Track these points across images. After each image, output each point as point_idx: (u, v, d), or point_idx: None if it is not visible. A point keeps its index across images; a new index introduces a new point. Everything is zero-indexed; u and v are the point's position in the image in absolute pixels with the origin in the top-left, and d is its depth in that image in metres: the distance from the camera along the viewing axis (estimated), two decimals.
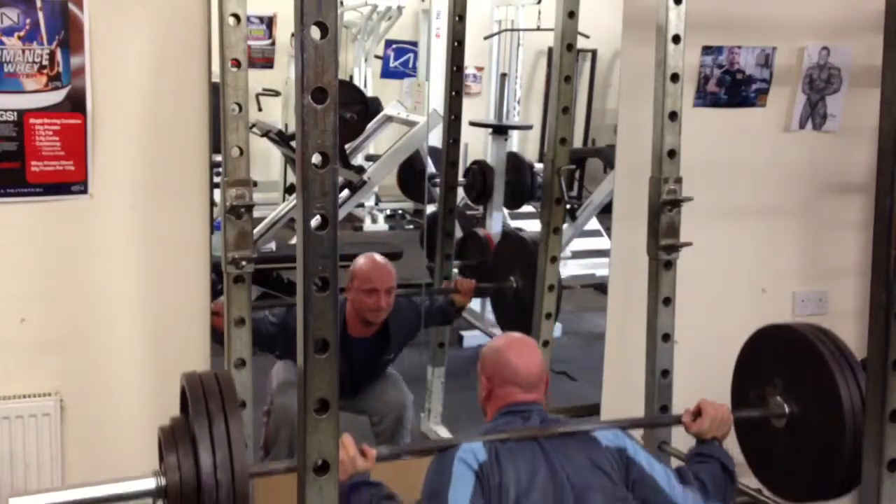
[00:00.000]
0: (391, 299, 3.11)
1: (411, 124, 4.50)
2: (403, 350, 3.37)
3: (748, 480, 2.49)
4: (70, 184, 2.43)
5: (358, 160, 4.71)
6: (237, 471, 1.70)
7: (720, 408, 2.32)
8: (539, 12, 5.30)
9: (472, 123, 4.97)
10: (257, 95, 4.40)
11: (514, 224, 4.71)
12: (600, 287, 3.49)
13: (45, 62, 2.35)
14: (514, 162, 4.76)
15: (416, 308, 3.46)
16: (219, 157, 2.39)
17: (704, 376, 3.17)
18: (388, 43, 5.41)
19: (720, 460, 2.25)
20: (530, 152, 5.56)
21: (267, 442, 3.14)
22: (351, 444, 2.00)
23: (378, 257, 3.17)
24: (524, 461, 2.07)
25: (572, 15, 2.85)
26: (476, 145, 5.23)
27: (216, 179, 2.48)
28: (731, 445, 2.37)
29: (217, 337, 2.51)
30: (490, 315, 4.03)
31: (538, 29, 5.25)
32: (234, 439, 1.72)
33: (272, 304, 3.25)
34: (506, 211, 4.70)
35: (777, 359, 2.36)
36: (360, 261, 3.15)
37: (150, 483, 1.76)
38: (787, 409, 2.30)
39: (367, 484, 2.02)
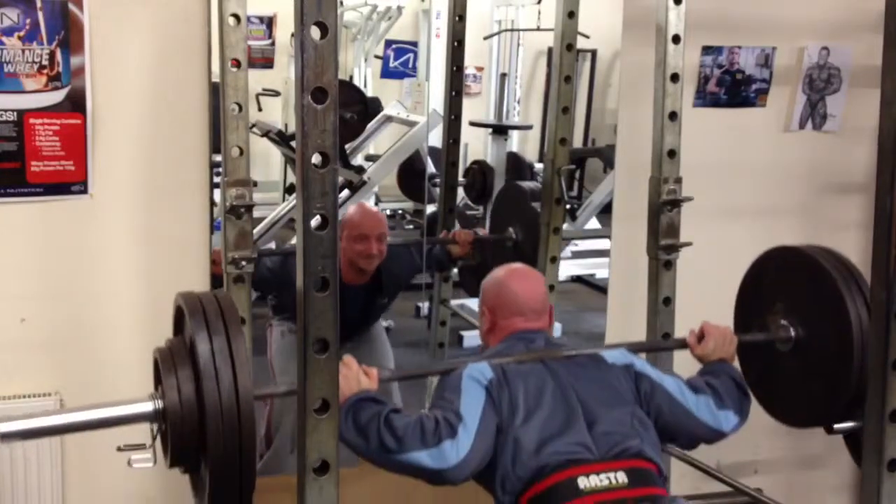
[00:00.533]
0: (383, 247, 3.09)
1: (411, 124, 4.50)
2: (404, 356, 3.37)
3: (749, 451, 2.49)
4: (70, 184, 2.43)
5: (358, 160, 4.70)
6: (242, 391, 1.59)
7: (724, 328, 2.28)
8: (539, 12, 5.29)
9: (472, 123, 4.97)
10: (257, 95, 4.39)
11: None
12: (600, 287, 3.49)
13: (45, 62, 2.35)
14: (514, 162, 4.75)
15: (411, 256, 3.45)
16: (219, 157, 2.40)
17: None
18: (388, 43, 5.40)
19: (731, 376, 2.20)
20: (530, 152, 5.55)
21: (269, 431, 3.13)
22: (353, 362, 1.96)
23: (368, 205, 3.15)
24: (532, 378, 2.04)
25: (572, 15, 2.85)
26: (476, 145, 5.22)
27: (216, 179, 2.48)
28: None
29: (216, 284, 2.50)
30: None
31: (538, 29, 5.25)
32: (237, 358, 1.61)
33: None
34: None
35: (780, 282, 2.32)
36: (351, 210, 3.13)
37: (146, 406, 1.67)
38: (792, 333, 2.27)
39: (372, 400, 1.95)
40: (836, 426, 2.18)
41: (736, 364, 2.31)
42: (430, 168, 4.52)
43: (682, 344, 2.32)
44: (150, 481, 2.65)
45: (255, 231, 2.44)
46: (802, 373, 2.27)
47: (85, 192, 2.45)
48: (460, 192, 4.27)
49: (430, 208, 4.30)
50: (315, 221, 1.55)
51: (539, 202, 3.27)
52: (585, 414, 2.01)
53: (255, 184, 2.39)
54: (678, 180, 2.53)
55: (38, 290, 2.49)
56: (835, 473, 3.41)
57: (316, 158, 1.54)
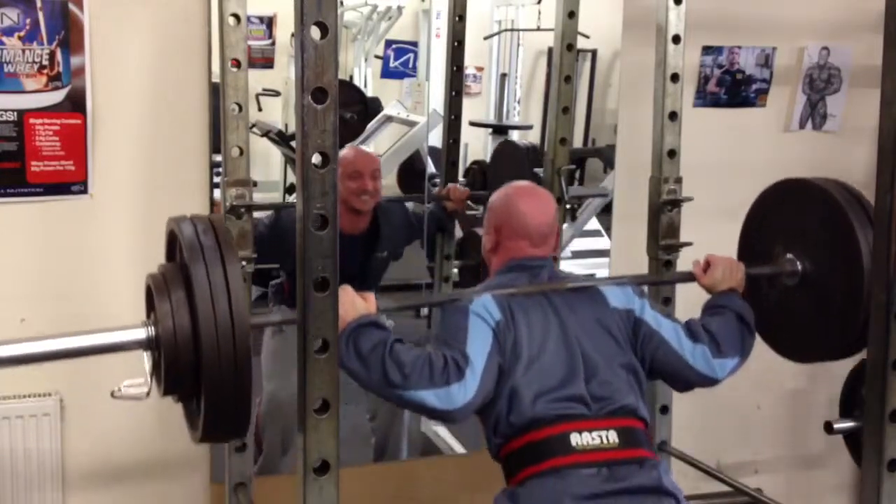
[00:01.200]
0: (378, 185, 3.07)
1: (411, 124, 4.49)
2: None
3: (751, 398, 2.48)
4: (70, 184, 2.43)
5: None
6: (237, 320, 1.55)
7: (731, 259, 2.26)
8: (539, 12, 5.29)
9: (472, 123, 4.96)
10: (257, 95, 4.39)
11: None
12: None
13: (45, 62, 2.35)
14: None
15: (408, 213, 3.45)
16: (219, 157, 2.39)
17: None
18: (388, 43, 5.39)
19: (736, 311, 2.17)
20: None
21: (258, 433, 3.12)
22: (347, 286, 1.88)
23: (360, 147, 3.11)
24: (537, 321, 2.02)
25: (572, 15, 2.85)
26: (476, 145, 5.21)
27: (216, 179, 2.48)
28: None
29: None
30: None
31: (538, 29, 5.24)
32: (233, 285, 1.56)
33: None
34: None
35: (786, 215, 2.29)
36: (343, 151, 3.09)
37: (139, 333, 1.63)
38: (799, 266, 2.24)
39: (374, 325, 1.88)
40: (836, 426, 2.18)
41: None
42: (430, 168, 4.51)
43: (689, 276, 2.28)
44: (150, 483, 2.66)
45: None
46: (808, 308, 2.22)
47: (85, 192, 2.45)
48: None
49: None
50: (315, 221, 1.55)
51: (536, 163, 3.19)
52: (585, 365, 2.00)
53: (255, 184, 2.39)
54: (678, 180, 2.53)
55: (38, 290, 2.49)
56: (835, 473, 3.41)
57: (316, 158, 1.53)
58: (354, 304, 1.88)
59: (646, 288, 2.36)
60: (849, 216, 2.11)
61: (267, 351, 3.20)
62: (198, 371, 1.58)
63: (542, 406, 1.94)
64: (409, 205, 3.70)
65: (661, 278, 2.53)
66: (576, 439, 1.92)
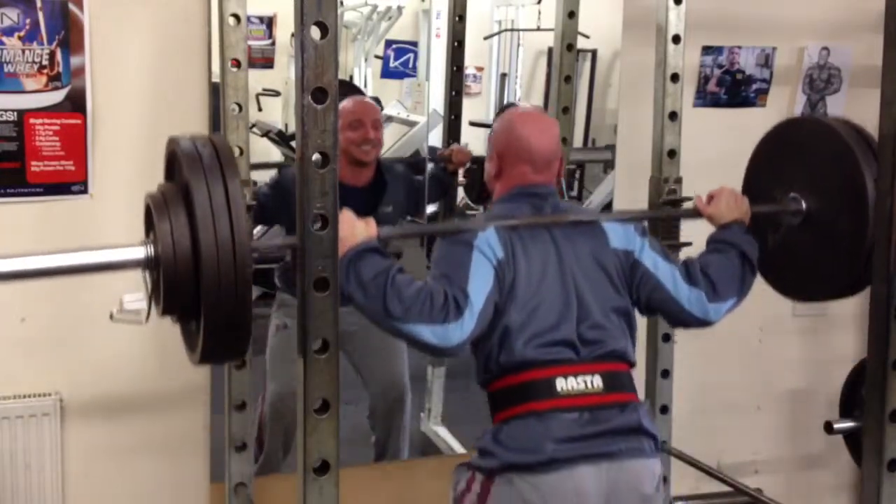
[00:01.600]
0: (379, 134, 3.04)
1: (411, 124, 4.49)
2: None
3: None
4: (70, 184, 2.43)
5: None
6: (238, 240, 1.53)
7: (734, 190, 2.24)
8: (539, 12, 5.29)
9: (472, 123, 4.95)
10: (257, 95, 4.39)
11: None
12: None
13: (45, 62, 2.35)
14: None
15: (412, 172, 3.44)
16: None
17: (704, 376, 3.18)
18: (388, 43, 5.39)
19: (739, 247, 2.15)
20: None
21: (261, 434, 3.11)
22: (347, 211, 1.85)
23: (359, 97, 3.08)
24: (536, 257, 2.01)
25: (572, 15, 2.85)
26: (476, 145, 5.21)
27: None
28: None
29: None
30: None
31: (538, 29, 5.23)
32: (234, 205, 1.54)
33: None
34: None
35: (791, 155, 2.27)
36: (344, 101, 3.03)
37: (138, 252, 1.60)
38: (803, 205, 2.22)
39: (376, 252, 1.86)
40: (836, 426, 2.18)
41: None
42: (430, 168, 4.51)
43: (693, 212, 2.26)
44: (150, 481, 2.66)
45: (255, 231, 2.44)
46: (812, 246, 2.21)
47: (85, 192, 2.45)
48: (460, 191, 4.26)
49: (431, 208, 4.30)
50: (315, 221, 1.55)
51: None
52: (579, 307, 2.00)
53: (256, 184, 2.39)
54: (678, 180, 2.53)
55: (38, 290, 2.48)
56: (835, 473, 3.41)
57: (316, 158, 1.54)
58: (355, 228, 1.86)
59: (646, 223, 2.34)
60: (854, 153, 2.08)
61: (270, 349, 3.20)
62: (197, 290, 1.55)
63: (532, 350, 1.96)
64: None
65: (665, 213, 2.52)
66: (561, 384, 1.95)
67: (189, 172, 1.56)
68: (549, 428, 1.91)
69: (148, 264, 1.60)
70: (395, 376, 3.23)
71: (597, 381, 1.97)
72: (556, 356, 1.96)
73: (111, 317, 1.68)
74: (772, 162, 2.33)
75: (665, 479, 2.66)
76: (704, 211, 2.22)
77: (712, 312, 2.11)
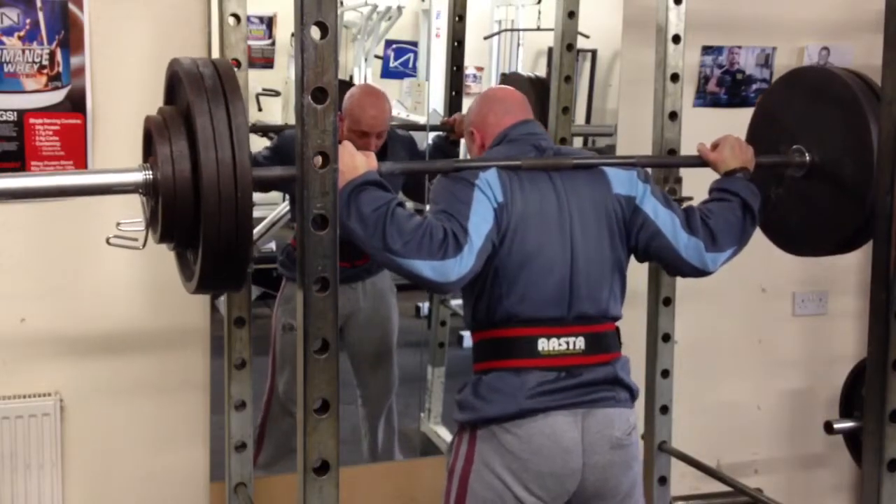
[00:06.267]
0: (381, 141, 3.04)
1: (411, 124, 4.49)
2: (404, 356, 3.35)
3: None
4: None
5: None
6: (240, 167, 1.48)
7: (739, 138, 2.23)
8: (539, 12, 5.29)
9: None
10: (257, 95, 4.39)
11: None
12: None
13: (45, 62, 2.35)
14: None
15: (416, 145, 3.43)
16: None
17: (704, 376, 3.18)
18: (388, 43, 5.39)
19: (741, 197, 2.13)
20: None
21: (262, 436, 3.09)
22: (348, 142, 1.88)
23: (372, 97, 3.03)
24: (536, 203, 2.01)
25: (572, 15, 2.85)
26: None
27: None
28: None
29: None
30: None
31: (538, 29, 5.23)
32: (236, 132, 1.50)
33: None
34: None
35: (794, 106, 2.26)
36: (356, 97, 3.01)
37: (136, 176, 1.56)
38: (807, 157, 2.20)
39: (378, 185, 1.86)
40: (836, 426, 2.18)
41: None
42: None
43: (696, 160, 2.24)
44: (150, 481, 2.66)
45: (255, 231, 2.43)
46: (814, 200, 2.21)
47: None
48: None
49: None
50: (315, 221, 1.55)
51: (544, 96, 3.10)
52: (573, 262, 2.00)
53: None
54: (678, 180, 2.53)
55: (38, 290, 2.49)
56: (835, 473, 3.42)
57: (316, 158, 1.53)
58: (355, 159, 1.87)
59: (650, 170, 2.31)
60: (861, 102, 2.07)
61: (280, 348, 3.19)
62: (197, 217, 1.52)
63: (519, 304, 1.99)
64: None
65: (668, 160, 2.51)
66: (543, 344, 1.99)
67: (192, 98, 1.51)
68: (526, 382, 1.97)
69: (146, 189, 1.57)
70: (389, 385, 3.26)
71: (579, 343, 2.01)
72: (542, 314, 1.99)
73: (107, 241, 1.67)
74: (775, 114, 2.32)
75: (664, 479, 2.66)
76: (708, 157, 2.21)
77: (710, 262, 2.11)
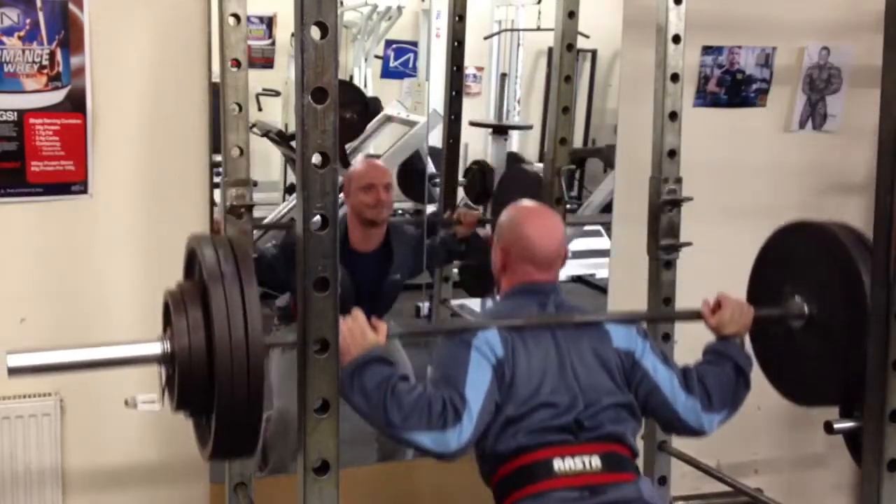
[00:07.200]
0: (389, 197, 3.09)
1: (411, 124, 4.50)
2: (409, 353, 3.35)
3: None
4: (70, 184, 2.43)
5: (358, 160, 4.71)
6: (252, 338, 1.58)
7: (741, 301, 2.26)
8: (539, 12, 5.30)
9: (472, 123, 4.97)
10: (257, 95, 4.40)
11: None
12: (601, 287, 3.48)
13: (45, 62, 2.35)
14: (514, 162, 4.76)
15: (418, 234, 3.46)
16: (219, 157, 2.40)
17: None
18: (388, 43, 5.41)
19: (735, 360, 2.17)
20: (530, 152, 5.56)
21: (265, 446, 3.11)
22: (360, 313, 1.92)
23: (369, 160, 3.20)
24: (537, 356, 2.03)
25: (572, 15, 2.85)
26: (476, 145, 5.22)
27: (216, 179, 2.48)
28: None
29: None
30: None
31: (538, 29, 5.25)
32: (249, 305, 1.59)
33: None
34: None
35: (796, 258, 2.29)
36: (355, 163, 3.17)
37: (155, 347, 1.66)
38: (806, 309, 2.23)
39: (381, 361, 1.92)
40: (836, 426, 2.17)
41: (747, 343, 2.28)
42: (430, 168, 4.52)
43: (696, 314, 2.28)
44: (150, 481, 2.66)
45: (254, 231, 2.44)
46: (813, 351, 2.23)
47: (85, 192, 2.45)
48: (460, 191, 4.27)
49: (431, 208, 4.30)
50: (315, 221, 1.55)
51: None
52: (580, 399, 2.01)
53: (255, 184, 2.39)
54: (678, 180, 2.53)
55: (38, 290, 2.49)
56: (835, 473, 3.41)
57: (316, 158, 1.54)
58: (365, 335, 1.92)
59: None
60: (856, 264, 2.11)
61: (278, 367, 3.20)
62: (211, 389, 1.61)
63: (527, 437, 1.98)
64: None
65: (668, 314, 2.55)
66: (559, 464, 1.97)
67: (207, 274, 1.62)
68: (549, 502, 1.93)
69: (164, 360, 1.67)
70: None
71: (595, 462, 1.98)
72: (553, 439, 1.98)
73: (125, 403, 1.76)
74: (778, 263, 2.35)
75: (664, 479, 2.66)
76: (708, 320, 2.24)
77: (706, 423, 2.14)
